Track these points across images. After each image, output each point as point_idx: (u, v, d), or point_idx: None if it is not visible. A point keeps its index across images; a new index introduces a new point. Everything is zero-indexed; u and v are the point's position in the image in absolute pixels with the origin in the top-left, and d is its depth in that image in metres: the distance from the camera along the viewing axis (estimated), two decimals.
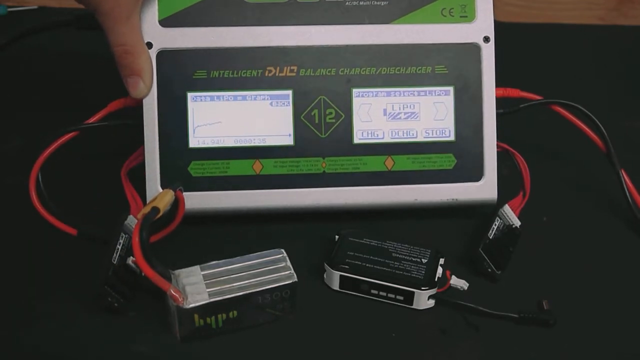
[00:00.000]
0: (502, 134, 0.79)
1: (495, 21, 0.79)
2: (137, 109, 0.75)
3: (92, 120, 0.75)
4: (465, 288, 0.71)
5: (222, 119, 0.76)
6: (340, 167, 0.78)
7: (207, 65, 0.76)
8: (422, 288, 0.70)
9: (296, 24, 0.77)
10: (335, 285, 0.72)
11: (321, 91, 0.78)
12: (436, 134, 0.79)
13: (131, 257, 0.65)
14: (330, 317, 0.69)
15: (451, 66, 0.79)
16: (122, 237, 0.69)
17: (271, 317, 0.68)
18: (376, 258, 0.72)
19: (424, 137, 0.78)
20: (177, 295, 0.64)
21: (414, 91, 0.78)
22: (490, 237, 0.75)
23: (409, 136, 0.78)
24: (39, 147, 0.73)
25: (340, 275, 0.71)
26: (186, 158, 0.76)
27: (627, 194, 0.81)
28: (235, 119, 0.76)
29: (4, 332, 0.67)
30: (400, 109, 0.78)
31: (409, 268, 0.71)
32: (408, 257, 0.72)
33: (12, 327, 0.67)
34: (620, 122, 0.95)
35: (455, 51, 0.79)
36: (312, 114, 0.77)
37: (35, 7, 1.12)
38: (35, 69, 1.00)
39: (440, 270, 0.71)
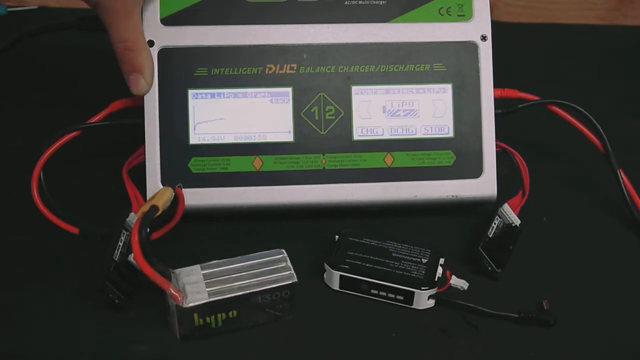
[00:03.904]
0: (501, 134, 0.79)
1: (495, 21, 0.79)
2: (138, 108, 0.75)
3: (93, 120, 0.76)
4: (465, 288, 0.71)
5: (222, 116, 0.76)
6: (340, 164, 0.78)
7: (207, 63, 0.76)
8: (422, 288, 0.70)
9: (296, 23, 0.78)
10: (335, 285, 0.72)
11: (321, 88, 0.78)
12: (435, 130, 0.79)
13: (132, 254, 0.65)
14: (330, 317, 0.70)
15: (449, 64, 0.79)
16: (124, 234, 0.69)
17: (271, 317, 0.68)
18: (376, 258, 0.72)
19: (423, 134, 0.79)
20: (176, 294, 0.64)
21: (412, 88, 0.79)
22: (490, 236, 0.75)
23: (408, 133, 0.78)
24: (41, 147, 0.73)
25: (340, 275, 0.71)
26: (187, 154, 0.76)
27: (626, 193, 0.81)
28: (236, 116, 0.77)
29: (4, 331, 0.67)
30: (399, 106, 0.78)
31: (409, 268, 0.71)
32: (408, 257, 0.72)
33: (12, 327, 0.67)
34: (620, 122, 0.95)
35: (453, 49, 0.79)
36: (312, 110, 0.77)
37: (35, 7, 1.12)
38: (36, 69, 1.00)
39: (440, 270, 0.72)
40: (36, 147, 0.73)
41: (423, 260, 0.72)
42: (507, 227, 0.76)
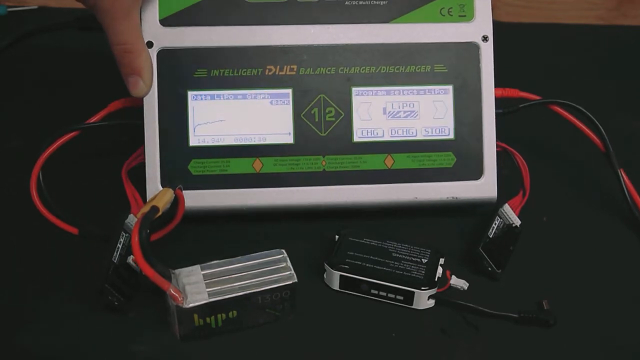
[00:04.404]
0: (501, 134, 0.79)
1: (495, 21, 0.79)
2: (137, 109, 0.75)
3: (92, 120, 0.75)
4: (465, 288, 0.71)
5: (222, 118, 0.76)
6: (340, 166, 0.78)
7: (207, 64, 0.76)
8: (422, 288, 0.70)
9: (296, 23, 0.77)
10: (335, 285, 0.72)
11: (321, 90, 0.78)
12: (436, 132, 0.79)
13: (132, 256, 0.65)
14: (330, 317, 0.70)
15: (450, 65, 0.79)
16: (123, 235, 0.69)
17: (271, 317, 0.68)
18: (376, 258, 0.72)
19: (424, 136, 0.78)
20: (176, 295, 0.64)
21: (413, 90, 0.78)
22: (490, 236, 0.75)
23: (408, 134, 0.78)
24: (40, 147, 0.73)
25: (340, 275, 0.71)
26: (186, 156, 0.76)
27: (627, 193, 0.81)
28: (236, 118, 0.77)
29: (4, 331, 0.67)
30: (399, 107, 0.78)
31: (409, 268, 0.71)
32: (408, 257, 0.72)
33: (12, 327, 0.67)
34: (620, 122, 0.95)
35: (454, 50, 0.79)
36: (312, 112, 0.77)
37: (35, 7, 1.12)
38: (35, 69, 1.00)
39: (440, 270, 0.72)
40: (36, 147, 0.73)
41: (423, 260, 0.72)
42: (508, 227, 0.76)
